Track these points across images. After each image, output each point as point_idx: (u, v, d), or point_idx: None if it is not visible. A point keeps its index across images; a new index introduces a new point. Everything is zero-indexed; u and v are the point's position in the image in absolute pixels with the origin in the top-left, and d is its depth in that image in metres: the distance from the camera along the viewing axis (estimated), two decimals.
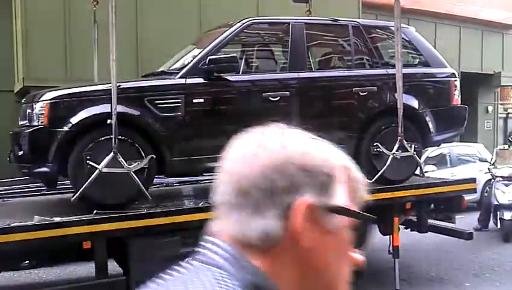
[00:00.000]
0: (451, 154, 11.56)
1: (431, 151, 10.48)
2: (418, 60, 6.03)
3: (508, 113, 24.29)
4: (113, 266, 4.80)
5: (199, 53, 5.00)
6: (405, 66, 5.44)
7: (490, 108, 20.44)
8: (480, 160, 10.31)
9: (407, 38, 5.85)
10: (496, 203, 8.78)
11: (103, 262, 4.26)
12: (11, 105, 9.91)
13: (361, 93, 5.44)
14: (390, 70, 5.48)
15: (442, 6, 17.16)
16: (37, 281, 6.66)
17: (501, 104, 22.40)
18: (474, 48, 18.55)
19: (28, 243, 3.94)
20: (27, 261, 5.02)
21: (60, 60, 9.48)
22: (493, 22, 18.90)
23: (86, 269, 6.39)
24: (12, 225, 3.95)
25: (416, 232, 6.37)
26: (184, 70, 4.87)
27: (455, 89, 6.01)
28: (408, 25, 15.57)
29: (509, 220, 8.54)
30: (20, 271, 6.51)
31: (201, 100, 4.80)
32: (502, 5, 18.90)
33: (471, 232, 6.13)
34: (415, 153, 5.40)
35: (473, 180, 6.28)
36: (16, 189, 6.07)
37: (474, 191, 6.29)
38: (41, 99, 4.49)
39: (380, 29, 6.03)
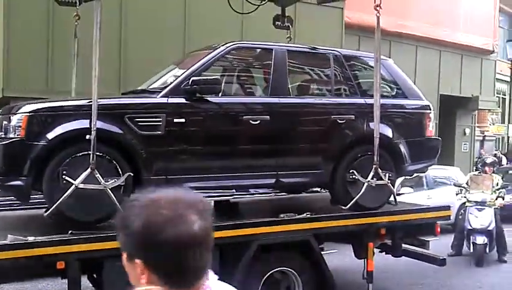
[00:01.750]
0: (428, 177, 11.69)
1: None
2: (395, 91, 6.15)
3: (485, 136, 24.74)
4: (87, 285, 4.75)
5: (182, 73, 5.02)
6: (382, 96, 5.55)
7: (467, 130, 20.79)
8: (455, 184, 10.44)
9: (385, 70, 5.96)
10: (469, 227, 8.91)
11: (76, 283, 4.22)
12: None
13: (339, 121, 5.52)
14: (368, 100, 5.57)
15: (423, 30, 17.46)
16: None
17: (478, 126, 22.82)
18: (454, 71, 18.89)
19: (0, 262, 3.88)
20: None
21: (40, 72, 9.40)
22: (472, 47, 19.29)
23: (59, 285, 6.31)
24: None
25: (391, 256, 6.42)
26: (166, 89, 4.89)
27: (429, 121, 6.14)
28: (390, 47, 15.91)
29: (481, 244, 8.69)
30: None
31: (182, 120, 4.81)
32: (481, 31, 19.31)
33: (444, 259, 6.21)
34: (389, 181, 5.49)
35: (448, 207, 6.39)
36: None
37: (448, 218, 6.37)
38: (20, 111, 4.45)
39: (360, 60, 6.14)
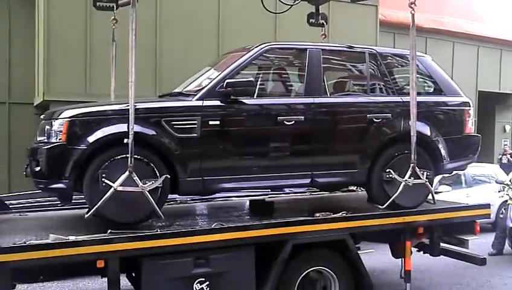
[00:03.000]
0: (467, 175, 11.47)
1: None
2: (432, 88, 6.04)
3: None
4: (125, 284, 4.85)
5: (217, 76, 5.06)
6: (420, 93, 5.47)
7: (508, 127, 20.29)
8: (497, 182, 10.23)
9: (422, 67, 5.87)
10: (511, 225, 8.72)
11: (116, 281, 4.30)
12: (30, 117, 10.13)
13: (376, 120, 5.47)
14: (405, 98, 5.50)
15: (460, 25, 17.13)
16: None
17: None
18: (492, 67, 18.47)
19: (43, 260, 4.00)
20: (41, 276, 5.09)
21: (79, 76, 9.66)
22: (511, 42, 18.80)
23: (99, 284, 6.48)
24: (28, 243, 4.02)
25: (429, 255, 6.33)
26: (201, 92, 4.94)
27: (469, 118, 6.01)
28: (426, 44, 15.68)
29: None
30: (34, 284, 6.61)
31: (217, 122, 4.86)
32: None
33: (485, 258, 6.07)
34: (427, 180, 5.41)
35: (487, 205, 6.23)
36: (32, 203, 6.17)
37: (488, 216, 6.23)
38: (60, 116, 4.58)
39: (395, 57, 6.04)
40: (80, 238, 4.17)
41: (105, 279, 4.40)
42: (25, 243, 4.01)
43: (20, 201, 6.31)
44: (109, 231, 4.33)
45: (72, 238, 4.16)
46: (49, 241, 4.09)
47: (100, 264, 4.23)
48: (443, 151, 5.73)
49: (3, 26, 11.14)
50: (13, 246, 3.95)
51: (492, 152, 17.85)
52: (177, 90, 5.57)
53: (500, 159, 16.80)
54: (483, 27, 17.98)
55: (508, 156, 17.27)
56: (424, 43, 15.54)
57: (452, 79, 6.30)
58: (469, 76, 16.85)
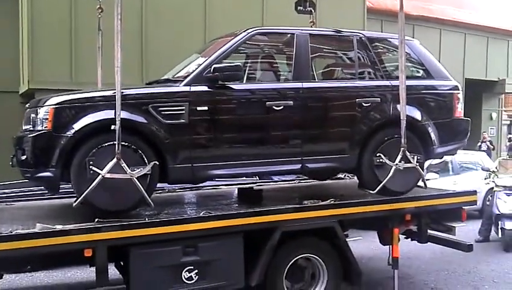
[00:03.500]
0: (454, 162, 11.57)
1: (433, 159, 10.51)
2: (421, 72, 6.03)
3: None
4: (114, 273, 4.82)
5: (204, 61, 5.02)
6: (408, 78, 5.44)
7: (494, 115, 20.47)
8: (483, 169, 10.31)
9: (410, 51, 5.85)
10: (498, 212, 8.81)
11: (104, 270, 4.26)
12: (15, 106, 10.00)
13: (364, 104, 5.45)
14: (394, 82, 5.50)
15: (447, 13, 17.17)
16: (38, 285, 6.71)
17: (505, 110, 22.42)
18: (479, 54, 18.58)
19: (30, 250, 3.96)
20: (29, 266, 5.04)
21: (65, 64, 9.55)
22: (498, 29, 18.93)
23: (87, 273, 6.44)
24: (14, 232, 3.97)
25: (417, 242, 6.37)
26: (189, 78, 4.89)
27: (458, 102, 6.00)
28: (413, 31, 15.69)
29: (510, 229, 8.57)
30: (21, 274, 6.56)
31: (205, 108, 4.82)
32: (507, 12, 18.91)
33: (471, 244, 6.12)
34: (417, 164, 5.41)
35: (474, 192, 6.26)
36: (19, 193, 6.10)
37: (474, 203, 6.27)
38: (46, 104, 4.51)
39: (384, 41, 6.03)
40: (67, 227, 4.13)
41: (94, 268, 4.37)
42: (11, 232, 3.97)
43: (6, 191, 6.23)
44: (96, 219, 4.29)
45: (59, 227, 4.12)
46: (36, 230, 4.05)
47: (88, 253, 4.20)
48: (433, 136, 5.72)
49: None
50: None
51: (480, 139, 18.00)
52: (164, 77, 5.51)
53: (480, 146, 16.98)
54: (470, 15, 18.05)
55: (488, 143, 17.47)
56: (411, 31, 15.56)
57: None
58: (456, 63, 16.92)
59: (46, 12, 9.44)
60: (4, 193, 6.17)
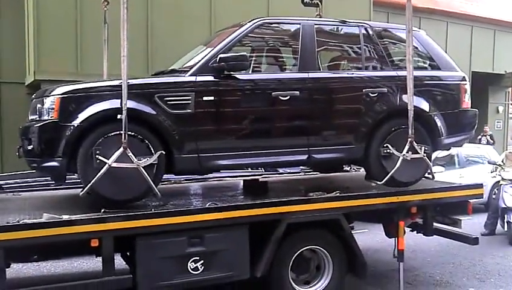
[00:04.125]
0: (460, 155, 11.53)
1: (439, 152, 10.48)
2: (428, 63, 5.98)
3: None
4: (120, 263, 4.84)
5: (210, 52, 5.00)
6: (415, 68, 5.39)
7: (501, 108, 20.35)
8: (489, 162, 10.27)
9: (417, 41, 5.81)
10: (504, 206, 8.78)
11: (110, 260, 4.27)
12: (22, 97, 10.02)
13: (371, 95, 5.43)
14: (400, 72, 5.46)
15: (454, 5, 17.06)
16: (45, 274, 6.74)
17: (511, 104, 22.27)
18: (486, 47, 18.45)
19: (37, 239, 3.97)
20: (35, 255, 5.07)
21: (70, 55, 9.55)
22: (505, 22, 18.77)
23: (93, 263, 6.47)
24: (21, 222, 3.98)
25: (422, 235, 6.35)
26: (194, 68, 4.88)
27: (465, 93, 5.96)
28: (420, 23, 15.60)
29: None
30: (28, 263, 6.60)
31: (211, 98, 4.81)
32: None
33: (477, 238, 6.10)
34: (425, 155, 5.38)
35: (480, 185, 6.23)
36: (25, 183, 6.13)
37: (481, 196, 6.24)
38: (52, 94, 4.51)
39: (390, 32, 5.99)
40: (74, 217, 4.14)
41: (100, 258, 4.37)
42: (18, 222, 3.98)
43: (13, 181, 6.25)
44: (103, 210, 4.29)
45: (66, 217, 4.13)
46: (43, 220, 4.06)
47: (94, 243, 4.20)
48: (440, 126, 5.69)
49: None
50: (7, 225, 3.91)
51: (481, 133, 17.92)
52: (171, 68, 5.49)
53: (480, 140, 16.85)
54: (477, 7, 17.92)
55: (488, 137, 17.32)
56: (418, 23, 15.47)
57: None
58: (462, 56, 16.81)
59: (52, 3, 9.43)
60: (11, 183, 6.20)
